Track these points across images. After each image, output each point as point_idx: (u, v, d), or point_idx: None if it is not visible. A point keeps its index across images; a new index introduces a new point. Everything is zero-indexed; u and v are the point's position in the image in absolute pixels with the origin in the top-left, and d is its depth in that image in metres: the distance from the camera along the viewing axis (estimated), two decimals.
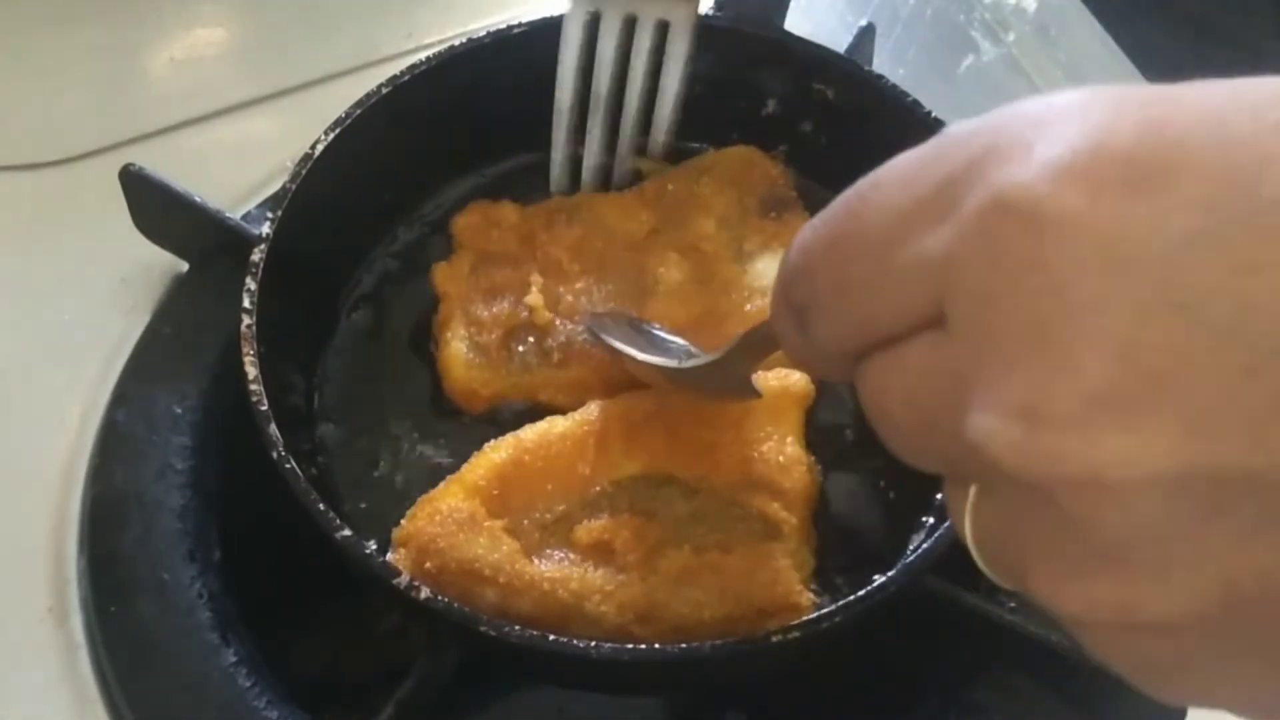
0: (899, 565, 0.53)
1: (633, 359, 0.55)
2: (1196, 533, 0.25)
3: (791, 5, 0.76)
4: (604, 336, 0.57)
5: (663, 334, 0.59)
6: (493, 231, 0.65)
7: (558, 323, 0.62)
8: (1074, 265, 0.24)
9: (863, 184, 0.31)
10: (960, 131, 0.29)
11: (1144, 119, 0.25)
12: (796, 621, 0.50)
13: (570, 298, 0.63)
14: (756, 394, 0.52)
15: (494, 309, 0.63)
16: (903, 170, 0.29)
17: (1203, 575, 0.25)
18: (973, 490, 0.30)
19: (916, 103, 0.65)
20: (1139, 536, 0.25)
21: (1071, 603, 0.27)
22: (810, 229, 0.32)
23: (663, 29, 0.67)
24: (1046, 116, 0.26)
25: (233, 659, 0.56)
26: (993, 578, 0.30)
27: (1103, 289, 0.24)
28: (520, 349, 0.62)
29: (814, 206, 0.71)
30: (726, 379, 0.50)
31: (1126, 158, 0.25)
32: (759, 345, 0.44)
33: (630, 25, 0.66)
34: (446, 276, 0.64)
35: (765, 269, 0.65)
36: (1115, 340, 0.24)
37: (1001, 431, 0.25)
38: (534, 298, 0.62)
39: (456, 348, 0.62)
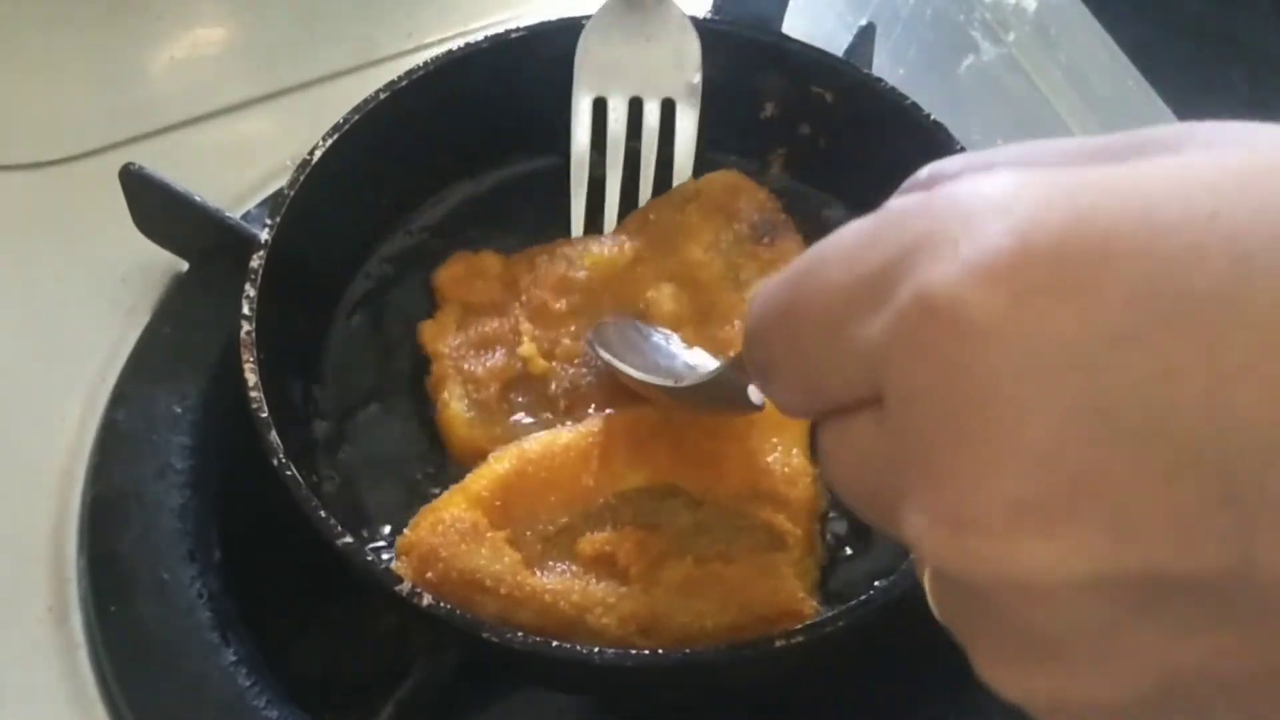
0: (901, 568, 0.53)
1: (630, 377, 0.55)
2: (1130, 629, 0.24)
3: (790, 4, 0.76)
4: (602, 353, 0.57)
5: (667, 341, 0.59)
6: (476, 282, 0.64)
7: (557, 367, 0.61)
8: (995, 372, 0.24)
9: (811, 255, 0.30)
10: (897, 211, 0.28)
11: (1072, 210, 0.25)
12: (800, 627, 0.50)
13: (566, 340, 0.62)
14: (756, 408, 0.52)
15: (488, 363, 0.61)
16: (845, 248, 0.29)
17: (1138, 668, 0.25)
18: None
19: (915, 105, 0.65)
20: (1071, 634, 0.25)
21: (1011, 690, 0.27)
22: (764, 294, 0.32)
23: (669, 105, 0.68)
24: (975, 207, 0.26)
25: (232, 659, 0.56)
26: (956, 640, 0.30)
27: (1023, 396, 0.24)
28: (521, 399, 0.61)
29: (812, 210, 0.71)
30: (724, 394, 0.50)
31: (1051, 255, 0.24)
32: None
33: (637, 104, 0.68)
34: (434, 335, 0.63)
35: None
36: (1035, 448, 0.24)
37: (930, 533, 0.25)
38: (526, 348, 0.61)
39: (456, 409, 0.60)
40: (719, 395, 0.49)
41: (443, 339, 0.63)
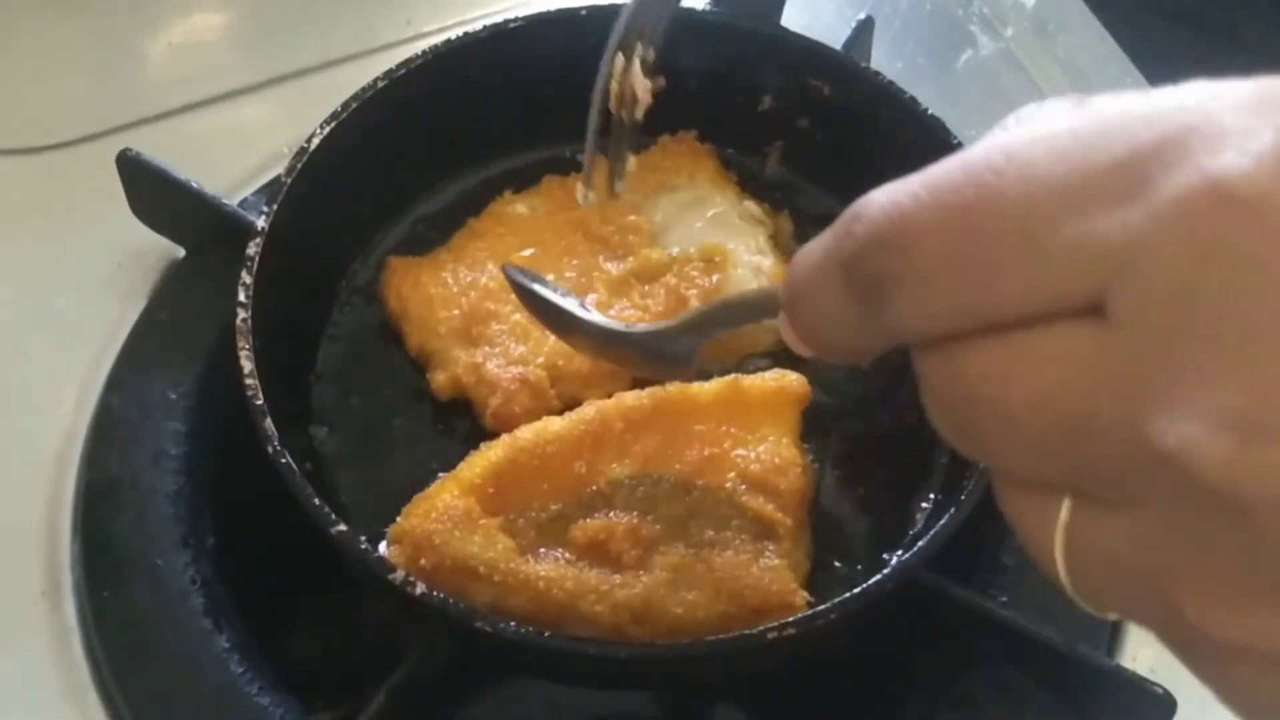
0: (893, 564, 0.53)
1: (572, 315, 0.51)
2: None
3: None
4: (535, 286, 0.52)
5: (581, 303, 0.54)
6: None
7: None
8: None
9: (986, 153, 0.27)
10: (1131, 109, 0.26)
11: None
12: (792, 619, 0.50)
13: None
14: (691, 372, 0.49)
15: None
16: (1056, 143, 0.27)
17: None
18: (1066, 506, 0.27)
19: (913, 99, 0.65)
20: None
21: (1230, 630, 0.25)
22: (904, 196, 0.28)
23: None
24: (1247, 102, 0.24)
25: (225, 645, 0.57)
26: (1079, 601, 0.28)
27: None
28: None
29: (809, 203, 0.71)
30: (672, 349, 0.47)
31: None
32: (733, 315, 0.44)
33: None
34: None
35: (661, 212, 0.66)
36: None
37: (1206, 441, 0.23)
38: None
39: None
40: (667, 349, 0.47)
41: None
